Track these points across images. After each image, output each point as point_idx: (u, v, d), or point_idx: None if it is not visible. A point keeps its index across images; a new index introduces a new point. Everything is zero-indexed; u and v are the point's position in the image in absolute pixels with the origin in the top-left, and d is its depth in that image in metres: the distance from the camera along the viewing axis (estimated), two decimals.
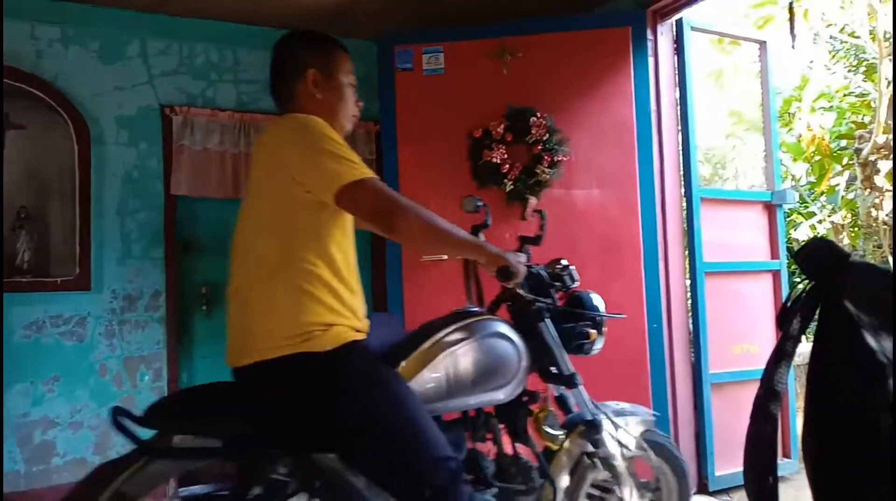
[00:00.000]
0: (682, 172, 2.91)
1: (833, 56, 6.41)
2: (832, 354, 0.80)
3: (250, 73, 3.24)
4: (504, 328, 1.61)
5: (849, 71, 6.09)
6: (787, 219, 5.71)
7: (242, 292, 1.40)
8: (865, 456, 0.74)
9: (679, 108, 2.89)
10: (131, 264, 2.98)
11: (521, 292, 1.62)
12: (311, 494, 1.36)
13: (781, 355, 0.82)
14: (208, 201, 3.11)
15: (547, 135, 2.78)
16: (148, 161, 3.03)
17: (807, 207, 5.93)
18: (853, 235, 5.40)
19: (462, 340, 1.53)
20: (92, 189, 2.91)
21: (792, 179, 6.04)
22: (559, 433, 1.67)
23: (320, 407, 1.30)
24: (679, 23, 2.86)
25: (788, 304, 0.84)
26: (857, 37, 5.36)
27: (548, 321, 1.67)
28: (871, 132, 4.88)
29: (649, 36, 2.82)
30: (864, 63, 6.02)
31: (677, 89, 2.90)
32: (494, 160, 2.78)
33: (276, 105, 1.56)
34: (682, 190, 2.92)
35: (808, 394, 0.81)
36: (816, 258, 0.83)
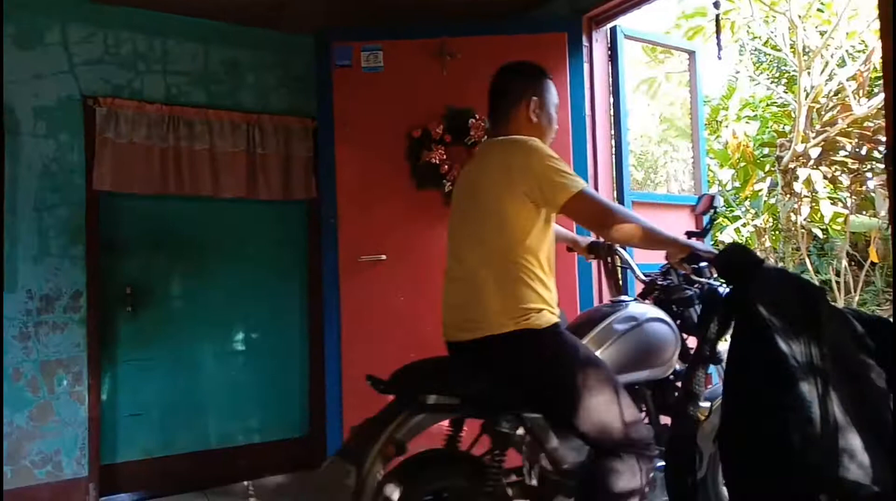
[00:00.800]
0: (614, 176, 2.98)
1: (757, 67, 6.73)
2: (747, 356, 0.84)
3: (181, 64, 3.12)
4: (662, 314, 1.88)
5: (771, 82, 6.40)
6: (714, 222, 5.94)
7: (467, 280, 1.68)
8: (774, 453, 0.77)
9: (612, 113, 2.97)
10: (49, 262, 2.81)
11: (696, 277, 1.89)
12: (526, 448, 1.68)
13: (699, 358, 0.84)
14: (134, 197, 2.98)
15: (485, 137, 2.80)
16: (68, 154, 2.87)
17: (732, 211, 6.21)
18: (774, 238, 5.69)
19: (631, 324, 1.79)
20: (5, 183, 2.73)
21: (718, 184, 6.31)
22: (706, 404, 1.89)
23: (537, 374, 1.57)
24: (613, 30, 2.93)
25: (708, 308, 0.87)
26: (779, 50, 5.64)
27: (697, 306, 1.95)
28: (790, 141, 5.14)
29: (584, 42, 2.88)
30: (786, 75, 6.35)
31: (611, 95, 2.97)
32: (434, 161, 2.77)
33: (491, 124, 1.86)
34: (615, 194, 3.00)
35: (725, 394, 0.84)
36: (732, 264, 0.86)
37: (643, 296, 2.06)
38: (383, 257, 2.78)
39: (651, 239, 1.66)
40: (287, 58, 3.35)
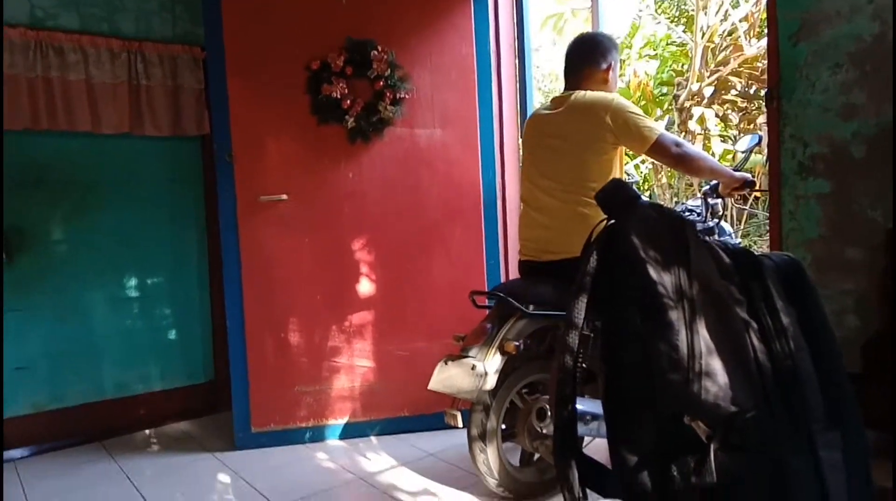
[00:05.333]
0: (518, 110, 2.99)
1: (659, 6, 6.86)
2: (620, 286, 0.87)
3: None
4: None
5: (671, 21, 6.56)
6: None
7: (552, 209, 2.05)
8: (641, 377, 0.82)
9: (517, 47, 2.94)
10: None
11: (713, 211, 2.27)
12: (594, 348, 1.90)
13: (580, 288, 0.87)
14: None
15: (389, 70, 2.70)
16: None
17: None
18: (670, 174, 5.97)
19: None
20: None
21: None
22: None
23: None
24: None
25: (590, 240, 0.89)
26: None
27: (717, 236, 2.34)
28: (687, 80, 5.34)
29: None
30: (685, 14, 6.52)
31: (516, 28, 2.94)
32: (334, 95, 2.66)
33: (569, 76, 2.20)
34: (519, 128, 3.01)
35: (602, 324, 0.88)
36: (611, 198, 0.88)
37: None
38: (284, 196, 2.68)
39: (709, 170, 2.07)
40: None
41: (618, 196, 0.89)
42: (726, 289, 0.88)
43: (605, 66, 2.15)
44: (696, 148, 2.03)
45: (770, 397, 0.83)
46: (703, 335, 0.82)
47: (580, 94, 2.09)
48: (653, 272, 0.83)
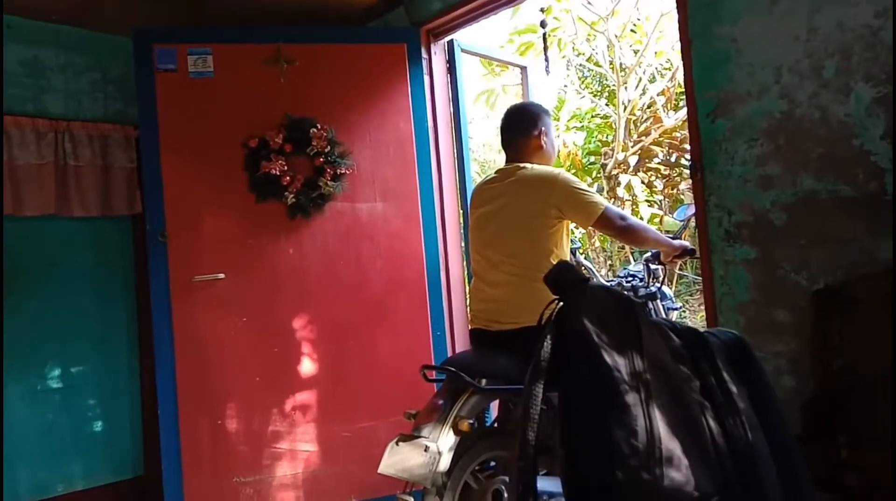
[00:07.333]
0: (458, 183, 3.05)
1: (582, 82, 7.28)
2: (576, 372, 0.87)
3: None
4: None
5: (594, 96, 6.96)
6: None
7: (501, 282, 2.05)
8: (601, 466, 0.81)
9: (453, 122, 3.03)
10: None
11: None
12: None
13: (535, 375, 0.87)
14: None
15: (329, 147, 2.73)
16: None
17: None
18: (602, 238, 6.18)
19: None
20: None
21: None
22: None
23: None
24: (451, 44, 3.00)
25: (541, 324, 0.90)
26: (600, 66, 6.15)
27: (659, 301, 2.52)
28: (613, 150, 5.63)
29: (424, 54, 2.92)
30: (607, 89, 6.93)
31: (452, 105, 3.04)
32: (273, 172, 2.65)
33: (506, 148, 2.25)
34: (458, 200, 3.06)
35: (558, 404, 0.87)
36: (560, 280, 0.90)
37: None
38: (221, 275, 2.60)
39: (651, 241, 2.17)
40: (102, 59, 3.03)
41: (567, 278, 0.90)
42: (678, 370, 0.89)
43: (535, 133, 2.20)
44: (639, 221, 2.14)
45: (729, 479, 0.84)
46: (660, 419, 0.82)
47: (527, 168, 2.11)
48: (607, 357, 0.83)
